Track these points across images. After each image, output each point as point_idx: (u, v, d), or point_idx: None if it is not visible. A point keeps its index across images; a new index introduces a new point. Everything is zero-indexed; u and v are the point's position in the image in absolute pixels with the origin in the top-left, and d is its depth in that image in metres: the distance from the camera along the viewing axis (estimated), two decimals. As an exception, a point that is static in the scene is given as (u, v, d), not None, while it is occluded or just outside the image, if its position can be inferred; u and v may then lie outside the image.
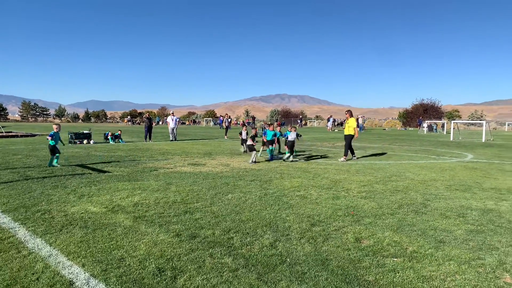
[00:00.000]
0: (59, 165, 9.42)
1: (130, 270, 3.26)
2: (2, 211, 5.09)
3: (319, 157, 12.77)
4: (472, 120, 59.84)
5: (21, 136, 23.03)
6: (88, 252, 3.64)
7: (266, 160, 11.40)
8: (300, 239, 4.11)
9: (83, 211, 5.13)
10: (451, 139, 25.14)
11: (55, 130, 9.87)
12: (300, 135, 15.07)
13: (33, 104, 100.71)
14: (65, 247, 3.77)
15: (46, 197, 5.93)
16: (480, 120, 45.70)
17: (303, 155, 13.17)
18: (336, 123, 51.05)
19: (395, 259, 3.57)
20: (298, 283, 3.06)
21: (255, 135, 11.86)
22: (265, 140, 12.11)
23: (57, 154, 9.60)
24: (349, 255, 3.67)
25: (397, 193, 6.63)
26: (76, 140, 17.83)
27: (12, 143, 17.28)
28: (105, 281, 3.05)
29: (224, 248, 3.81)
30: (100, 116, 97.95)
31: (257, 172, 9.00)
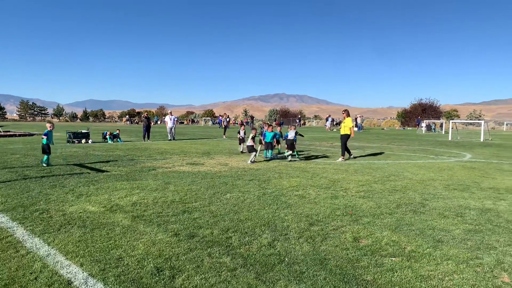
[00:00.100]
0: (45, 165, 9.26)
1: (128, 269, 3.25)
2: (0, 211, 5.08)
3: (318, 156, 12.78)
4: (470, 119, 59.97)
5: (19, 135, 22.98)
6: (86, 251, 3.64)
7: (265, 160, 11.40)
8: (298, 238, 4.12)
9: (81, 211, 5.12)
10: (450, 138, 25.20)
11: (48, 129, 9.79)
12: (302, 135, 15.05)
13: (31, 103, 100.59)
14: (63, 246, 3.77)
15: (44, 197, 5.92)
16: (479, 120, 45.80)
17: (301, 154, 13.17)
18: (334, 123, 51.08)
19: (393, 259, 3.58)
20: (296, 283, 3.06)
21: (255, 136, 11.75)
22: (263, 143, 11.86)
23: (46, 156, 9.41)
24: (347, 254, 3.67)
25: (395, 193, 6.64)
26: (74, 140, 17.81)
27: (10, 142, 17.25)
28: (103, 280, 3.05)
29: (223, 247, 3.81)
30: (99, 116, 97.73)
31: (255, 171, 9.00)
